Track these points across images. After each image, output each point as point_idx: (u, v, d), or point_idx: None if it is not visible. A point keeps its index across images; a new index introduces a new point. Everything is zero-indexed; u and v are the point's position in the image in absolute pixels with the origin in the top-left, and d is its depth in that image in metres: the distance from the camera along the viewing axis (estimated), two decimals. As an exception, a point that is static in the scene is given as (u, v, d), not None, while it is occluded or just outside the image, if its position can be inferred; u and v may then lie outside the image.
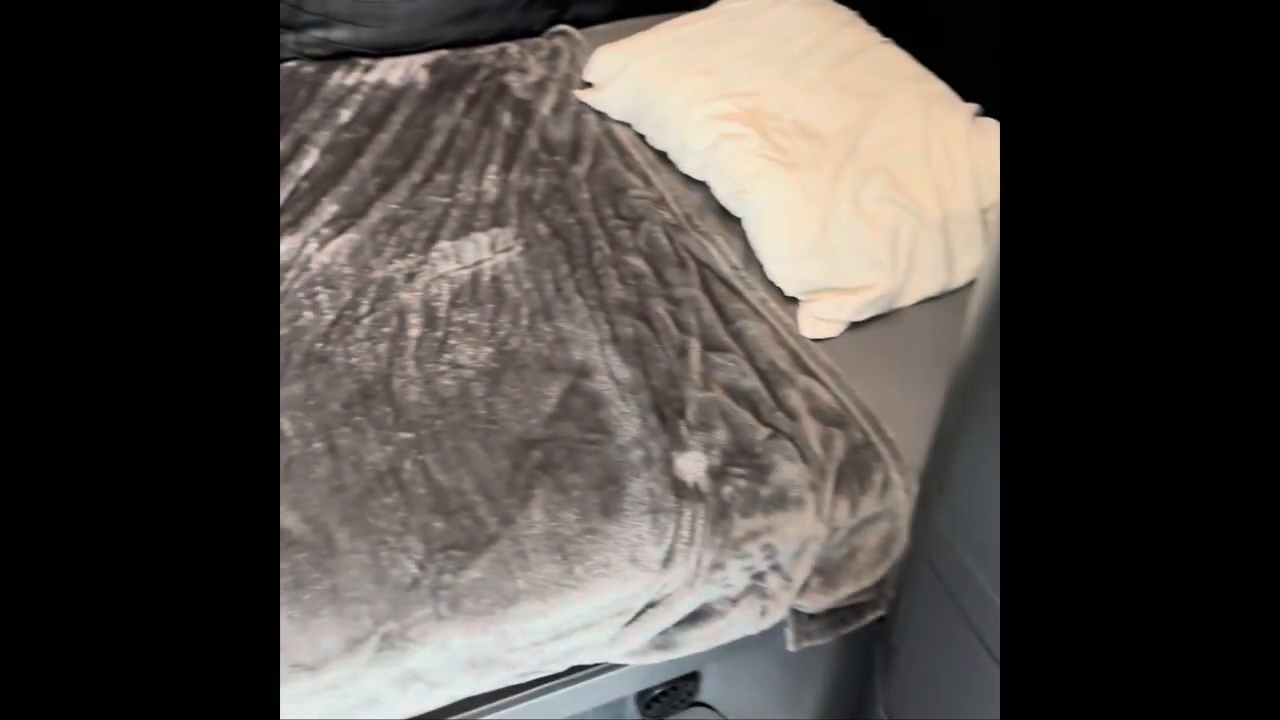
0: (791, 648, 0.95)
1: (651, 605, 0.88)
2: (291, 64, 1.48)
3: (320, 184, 1.28)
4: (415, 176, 1.29)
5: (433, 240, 1.20)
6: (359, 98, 1.42)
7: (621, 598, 0.87)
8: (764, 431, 0.96)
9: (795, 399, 1.00)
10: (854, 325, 1.11)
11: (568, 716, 0.94)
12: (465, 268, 1.17)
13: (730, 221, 1.23)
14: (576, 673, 0.90)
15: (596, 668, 0.90)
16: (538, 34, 1.59)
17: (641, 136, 1.37)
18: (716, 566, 0.89)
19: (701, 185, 1.28)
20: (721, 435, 0.96)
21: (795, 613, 0.95)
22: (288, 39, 1.50)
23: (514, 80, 1.47)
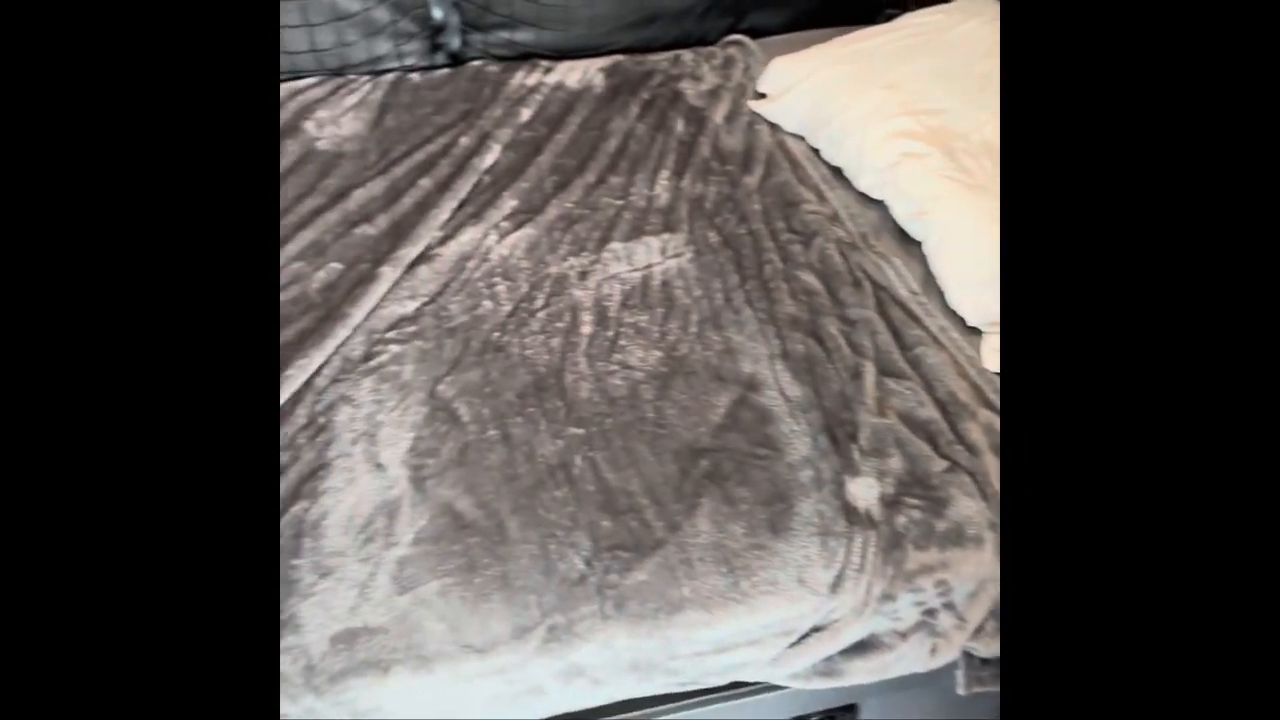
0: (961, 691, 0.91)
1: (817, 629, 0.86)
2: (477, 63, 1.53)
3: (501, 179, 1.32)
4: (590, 177, 1.32)
5: (605, 240, 1.22)
6: (539, 98, 1.46)
7: (787, 618, 0.85)
8: (941, 463, 0.92)
9: (976, 433, 0.95)
10: (1041, 361, 1.05)
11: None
12: (636, 270, 1.18)
13: (909, 244, 1.19)
14: (736, 689, 0.89)
15: (756, 686, 0.89)
16: (712, 42, 1.59)
17: (816, 150, 1.34)
18: (887, 597, 0.86)
19: (878, 204, 1.25)
20: (896, 463, 0.93)
21: (968, 655, 0.91)
22: (474, 39, 1.56)
23: (688, 87, 1.47)
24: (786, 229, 1.22)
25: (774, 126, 1.38)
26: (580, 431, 0.99)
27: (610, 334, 1.10)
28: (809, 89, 1.36)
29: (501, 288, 1.16)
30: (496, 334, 1.10)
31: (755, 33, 1.58)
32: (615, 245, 1.21)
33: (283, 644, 0.83)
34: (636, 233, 1.23)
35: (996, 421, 0.97)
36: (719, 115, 1.40)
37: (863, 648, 0.88)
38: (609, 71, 1.51)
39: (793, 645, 0.86)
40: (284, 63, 1.45)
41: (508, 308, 1.13)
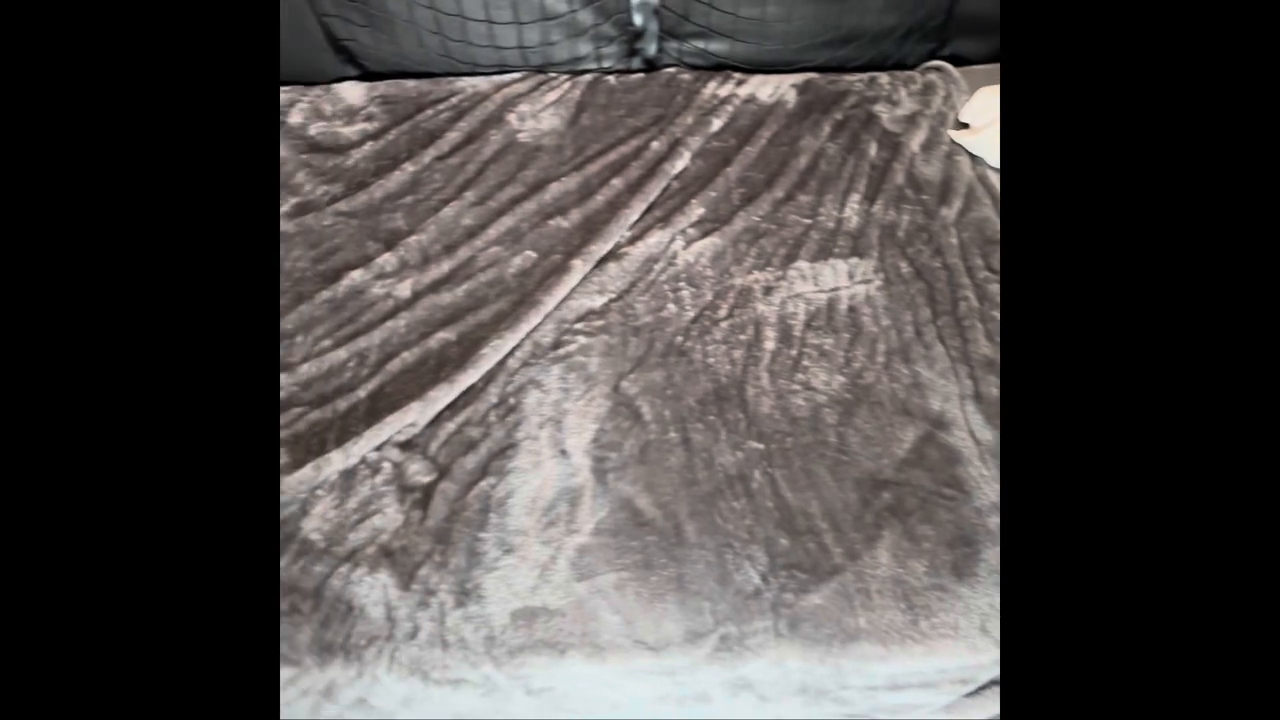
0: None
1: (997, 682, 0.83)
2: (671, 70, 1.55)
3: (690, 186, 1.33)
4: (778, 193, 1.31)
5: (791, 258, 1.21)
6: (730, 109, 1.47)
7: (966, 665, 0.82)
8: (1145, 533, 0.87)
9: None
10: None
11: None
12: (822, 291, 1.17)
13: (1114, 295, 1.13)
14: (901, 729, 0.87)
15: (921, 730, 0.87)
16: (911, 67, 1.55)
17: (1016, 188, 1.29)
18: (1076, 665, 0.82)
19: (1082, 250, 1.19)
20: (1093, 525, 0.89)
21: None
22: (670, 46, 1.58)
23: (883, 111, 1.44)
24: (985, 267, 1.18)
25: (975, 159, 1.34)
26: (760, 446, 0.99)
27: (794, 353, 1.09)
28: (1014, 124, 1.31)
29: (686, 293, 1.17)
30: (679, 338, 1.11)
31: (958, 60, 1.53)
32: (801, 264, 1.20)
33: (465, 612, 0.87)
34: (824, 254, 1.22)
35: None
36: (916, 143, 1.37)
37: (1044, 711, 0.84)
38: (801, 88, 1.50)
39: (969, 694, 0.83)
40: (492, 57, 1.51)
41: (691, 314, 1.14)
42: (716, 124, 1.44)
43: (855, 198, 1.30)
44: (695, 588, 0.87)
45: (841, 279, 1.18)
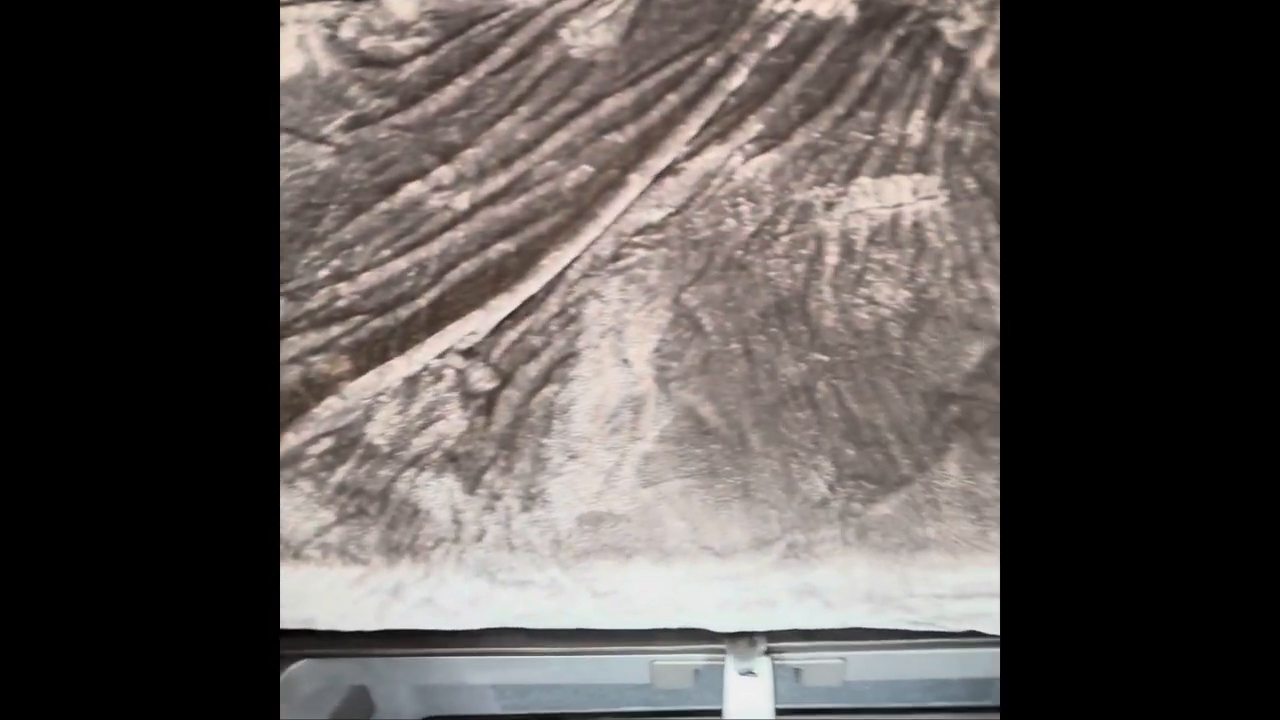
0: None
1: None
2: (726, -15, 1.44)
3: (747, 102, 1.24)
4: (838, 109, 1.22)
5: (853, 174, 1.13)
6: (788, 25, 1.36)
7: (1039, 579, 0.77)
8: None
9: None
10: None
11: (936, 677, 0.87)
12: (885, 207, 1.09)
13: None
14: (966, 637, 0.82)
15: (986, 638, 0.82)
16: (973, -17, 1.43)
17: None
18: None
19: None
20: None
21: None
22: (725, -39, 1.46)
23: (948, 26, 1.33)
24: (1051, 182, 1.09)
25: (1040, 75, 1.23)
26: (824, 359, 0.93)
27: (857, 267, 1.02)
28: (1086, 38, 1.19)
29: (745, 208, 1.10)
30: (739, 252, 1.04)
31: (1022, -24, 1.41)
32: (863, 180, 1.12)
33: (531, 516, 0.82)
34: (886, 170, 1.13)
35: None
36: (982, 58, 1.26)
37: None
38: (862, 4, 1.38)
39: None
40: (544, -30, 1.41)
41: (751, 228, 1.07)
42: (774, 40, 1.34)
43: (919, 114, 1.20)
44: (761, 495, 0.82)
45: (905, 195, 1.10)
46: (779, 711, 0.97)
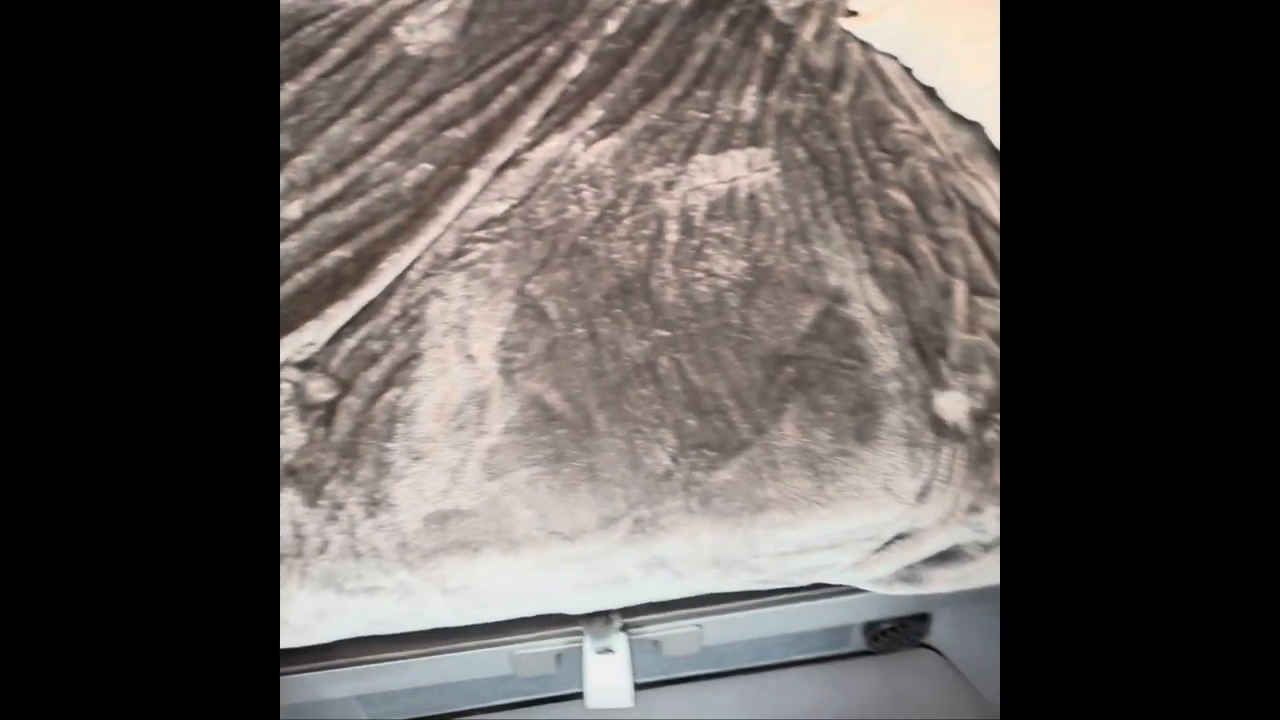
0: (1042, 608, 0.86)
1: (901, 537, 0.81)
2: (563, -26, 1.44)
3: (587, 89, 1.24)
4: (676, 90, 1.23)
5: (691, 153, 1.14)
6: (625, 10, 1.37)
7: (872, 524, 0.80)
8: (1035, 383, 0.85)
9: (1071, 354, 0.88)
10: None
11: (794, 631, 0.90)
12: (721, 182, 1.11)
13: (1002, 165, 1.10)
14: (813, 589, 0.84)
15: (833, 588, 0.85)
16: (801, -39, 1.47)
17: (908, 70, 1.24)
18: (973, 510, 0.80)
19: (973, 125, 1.15)
20: (986, 380, 0.86)
21: (1052, 573, 0.85)
22: (561, -50, 1.46)
23: (776, 4, 1.36)
24: (876, 147, 1.13)
25: (865, 45, 1.27)
26: (666, 334, 0.94)
27: (696, 242, 1.03)
28: (905, 6, 1.24)
29: (588, 194, 1.10)
30: (583, 238, 1.04)
31: (845, -49, 1.45)
32: (701, 158, 1.14)
33: (376, 522, 0.81)
34: (722, 146, 1.15)
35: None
36: (808, 32, 1.30)
37: (946, 557, 0.83)
38: (696, -13, 1.40)
39: (876, 551, 0.81)
40: (375, -32, 1.37)
41: (594, 213, 1.07)
42: (611, 26, 1.35)
43: (752, 90, 1.23)
44: (607, 475, 0.83)
45: (740, 169, 1.12)
46: (649, 684, 0.99)
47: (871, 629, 0.98)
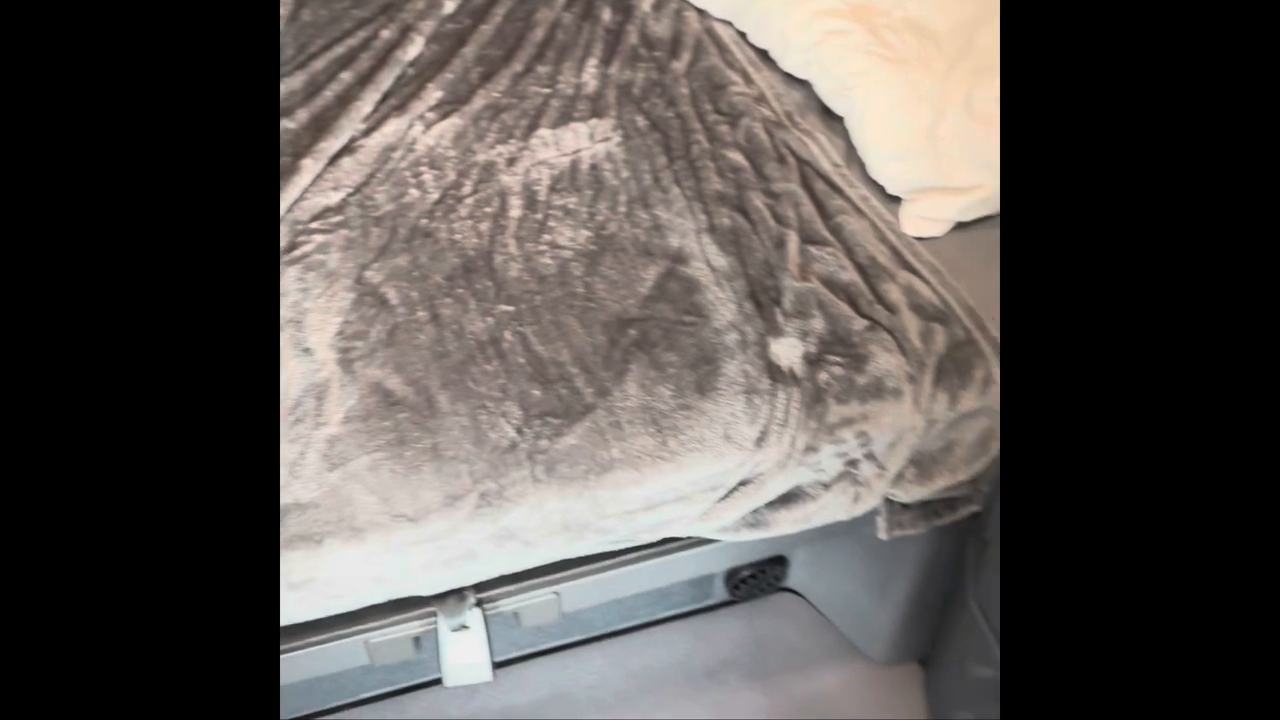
0: (883, 536, 0.89)
1: (744, 483, 0.83)
2: (398, -43, 1.40)
3: (425, 71, 1.21)
4: (516, 67, 1.22)
5: (533, 128, 1.13)
6: (463, -10, 1.34)
7: (714, 473, 0.82)
8: (862, 323, 0.89)
9: (895, 294, 0.91)
10: (960, 225, 1.01)
11: (656, 587, 0.91)
12: (565, 155, 1.10)
13: (832, 120, 1.13)
14: (667, 543, 0.86)
15: (686, 541, 0.86)
16: (639, -67, 1.47)
17: (743, 34, 1.26)
18: (810, 450, 0.83)
19: (803, 84, 1.18)
20: (818, 324, 0.89)
21: (889, 502, 0.89)
22: (395, -68, 1.42)
23: (615, -23, 1.36)
24: (714, 111, 1.14)
25: (701, 12, 1.29)
26: (510, 309, 0.93)
27: (539, 216, 1.03)
28: (734, -27, 1.26)
29: (428, 176, 1.08)
30: (424, 221, 1.02)
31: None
32: (543, 132, 1.13)
33: (213, 524, 0.77)
34: (564, 119, 1.15)
35: (915, 282, 0.93)
36: (646, 3, 1.30)
37: (788, 499, 0.85)
38: (534, -37, 1.39)
39: (720, 500, 0.83)
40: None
41: (435, 195, 1.05)
42: (450, 6, 1.32)
43: (592, 62, 1.23)
44: (451, 453, 0.82)
45: (583, 140, 1.12)
46: (519, 658, 0.99)
47: (732, 578, 1.00)
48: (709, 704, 0.95)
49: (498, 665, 0.95)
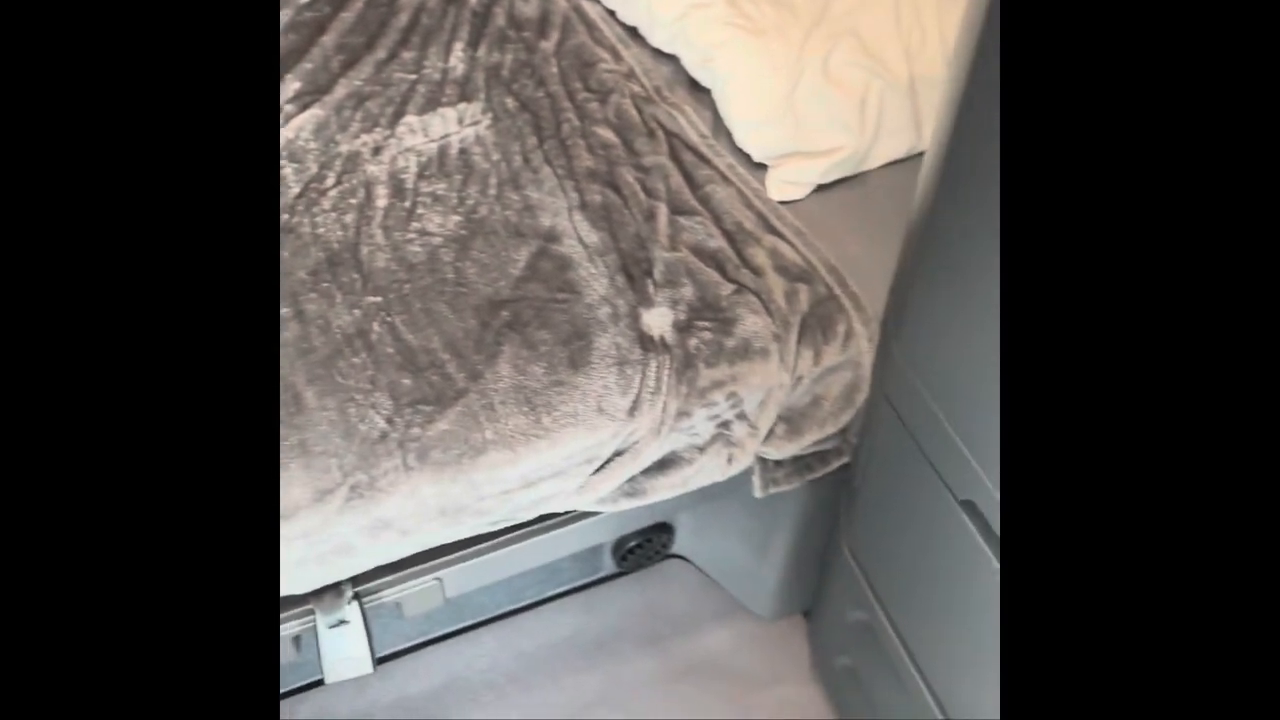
0: (758, 494, 0.91)
1: (619, 453, 0.84)
2: (252, -54, 1.35)
3: (284, 62, 1.17)
4: (380, 54, 1.19)
5: (399, 115, 1.11)
6: (322, -22, 1.30)
7: (589, 446, 0.82)
8: (729, 287, 0.90)
9: (761, 257, 0.93)
10: (822, 187, 1.04)
11: (541, 565, 0.91)
12: (432, 141, 1.08)
13: (700, 92, 1.14)
14: (548, 520, 0.85)
15: (567, 516, 0.86)
16: (504, -85, 1.45)
17: (611, 12, 1.26)
18: (683, 415, 0.84)
19: (671, 58, 1.19)
20: (688, 292, 0.90)
21: (762, 460, 0.91)
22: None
23: (480, -41, 1.34)
24: (584, 89, 1.14)
25: (568, -9, 1.28)
26: (378, 299, 0.91)
27: (407, 204, 1.01)
28: (599, -49, 1.26)
29: (288, 171, 1.04)
30: (285, 216, 0.99)
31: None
32: (410, 119, 1.11)
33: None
34: (432, 105, 1.13)
35: (779, 245, 0.95)
36: (512, -16, 1.29)
37: (664, 465, 0.86)
38: (397, -51, 1.36)
39: (596, 471, 0.83)
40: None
41: (296, 189, 1.02)
42: (308, -5, 1.28)
43: (459, 46, 1.20)
44: (319, 448, 0.80)
45: (451, 125, 1.10)
46: (408, 649, 0.97)
47: (619, 549, 1.01)
48: (602, 675, 0.96)
49: (387, 658, 0.94)
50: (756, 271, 0.91)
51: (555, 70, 1.17)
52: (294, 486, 0.78)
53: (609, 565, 1.03)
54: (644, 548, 1.01)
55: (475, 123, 1.11)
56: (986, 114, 0.56)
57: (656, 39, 1.20)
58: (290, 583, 0.79)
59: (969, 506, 0.69)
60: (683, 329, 0.87)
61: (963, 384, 0.66)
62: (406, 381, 0.84)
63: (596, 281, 0.92)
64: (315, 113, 1.11)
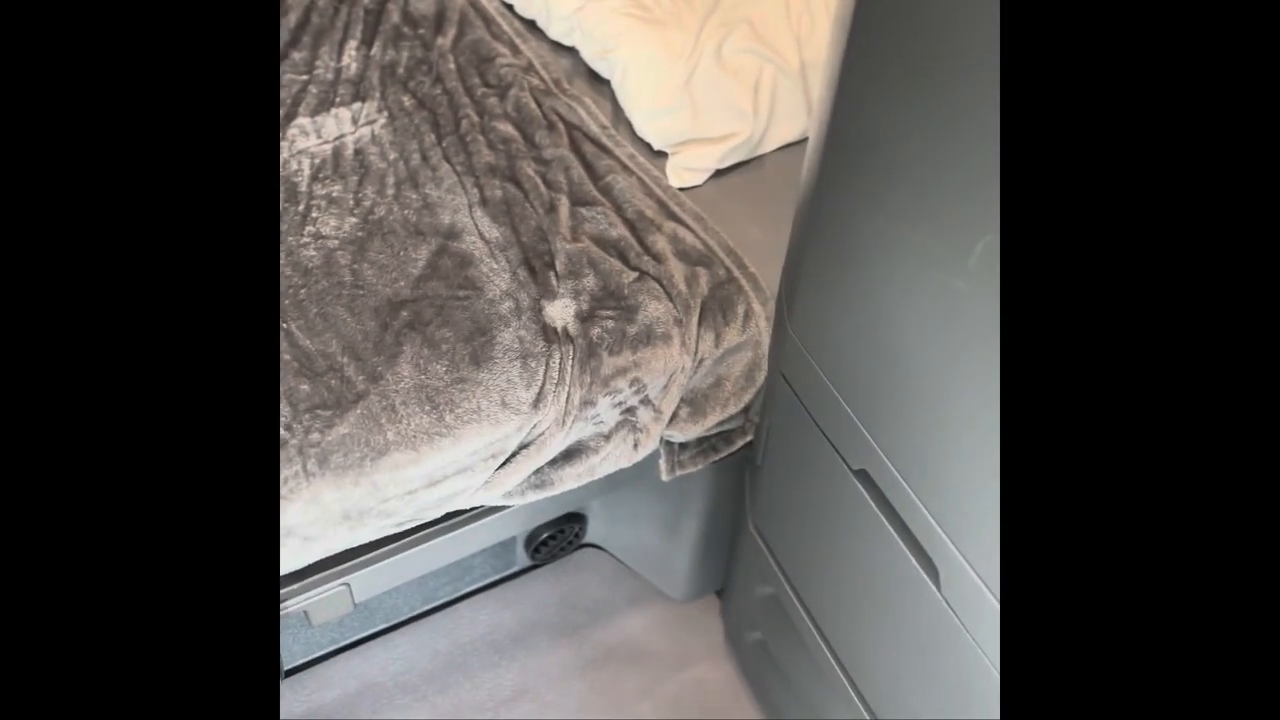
0: (665, 477, 0.92)
1: (525, 446, 0.83)
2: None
3: (168, 67, 1.13)
4: (271, 56, 1.16)
5: (290, 117, 1.08)
6: (207, -21, 1.26)
7: (493, 440, 0.82)
8: (631, 275, 0.91)
9: (662, 244, 0.94)
10: (720, 172, 1.05)
11: (452, 562, 0.90)
12: (326, 142, 1.06)
13: (599, 83, 1.14)
14: (456, 517, 0.85)
15: (475, 512, 0.85)
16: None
17: (509, 6, 1.25)
18: (587, 404, 0.84)
19: (570, 50, 1.19)
20: (590, 282, 0.90)
21: (667, 444, 0.92)
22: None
23: (373, -44, 1.32)
24: (482, 84, 1.13)
25: (464, -14, 1.27)
26: (272, 305, 0.89)
27: (301, 208, 0.98)
28: (494, -55, 1.25)
29: (177, 177, 1.01)
30: (174, 224, 0.96)
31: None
32: (302, 120, 1.08)
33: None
34: (325, 106, 1.10)
35: (680, 230, 0.96)
36: (405, -20, 1.27)
37: (570, 455, 0.86)
38: (286, -53, 1.32)
39: (502, 466, 0.83)
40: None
41: (185, 196, 0.99)
42: (193, -2, 1.23)
43: (353, 44, 1.18)
44: (214, 461, 0.77)
45: (346, 126, 1.08)
46: (321, 658, 0.95)
47: (531, 542, 1.01)
48: (518, 669, 0.95)
49: (297, 669, 0.91)
50: (658, 258, 0.92)
51: (453, 66, 1.15)
52: (187, 502, 0.75)
53: (522, 559, 1.02)
54: (557, 539, 1.01)
55: (371, 122, 1.09)
56: (861, 97, 0.58)
57: (554, 31, 1.20)
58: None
59: (863, 475, 0.71)
60: (585, 319, 0.87)
61: (852, 358, 0.68)
62: (304, 387, 0.82)
63: (498, 277, 0.91)
64: (202, 117, 1.07)
